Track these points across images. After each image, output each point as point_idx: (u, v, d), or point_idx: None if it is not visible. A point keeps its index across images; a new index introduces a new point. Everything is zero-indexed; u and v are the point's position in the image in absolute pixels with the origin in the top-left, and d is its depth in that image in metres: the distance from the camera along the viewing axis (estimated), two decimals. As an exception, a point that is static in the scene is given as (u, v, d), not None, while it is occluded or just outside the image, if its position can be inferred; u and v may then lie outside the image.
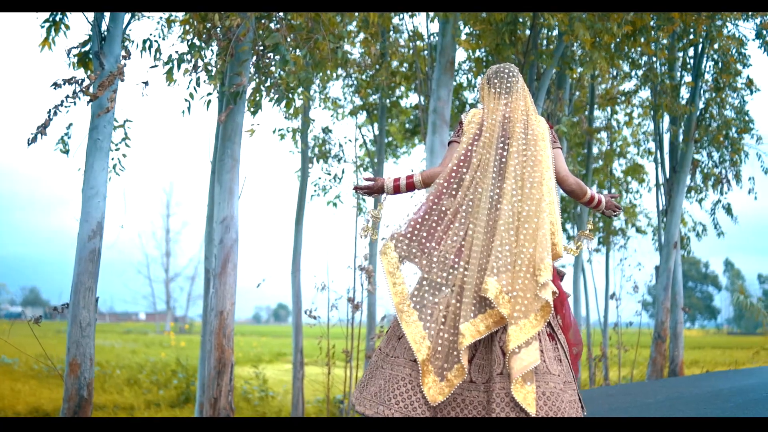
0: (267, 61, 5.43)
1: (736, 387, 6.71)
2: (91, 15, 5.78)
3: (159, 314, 46.90)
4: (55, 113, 4.76)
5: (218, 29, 5.03)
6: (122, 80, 4.43)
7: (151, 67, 4.98)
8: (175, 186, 65.14)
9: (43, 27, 5.80)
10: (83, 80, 4.65)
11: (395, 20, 9.63)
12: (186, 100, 5.79)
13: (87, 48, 5.97)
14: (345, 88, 10.40)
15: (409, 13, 9.23)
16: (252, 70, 5.70)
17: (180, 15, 6.99)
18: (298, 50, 5.84)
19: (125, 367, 14.14)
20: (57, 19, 5.72)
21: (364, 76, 9.75)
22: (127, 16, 5.04)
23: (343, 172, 10.09)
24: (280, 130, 9.41)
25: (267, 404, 10.97)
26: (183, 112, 5.81)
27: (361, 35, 9.15)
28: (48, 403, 10.23)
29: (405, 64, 10.02)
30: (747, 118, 10.57)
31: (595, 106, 11.89)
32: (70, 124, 5.89)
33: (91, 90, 4.61)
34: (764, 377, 7.72)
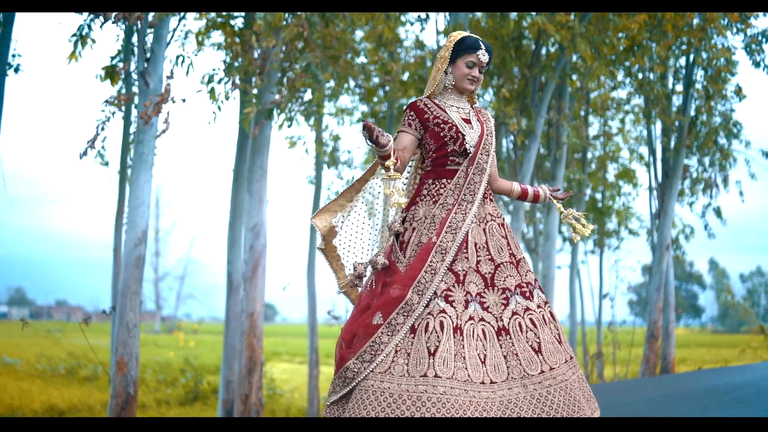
0: (295, 77, 5.77)
1: (729, 384, 6.98)
2: (128, 30, 6.08)
3: (148, 313, 47.03)
4: (102, 128, 5.08)
5: (256, 50, 5.36)
6: (174, 101, 4.75)
7: (198, 91, 5.31)
8: (165, 186, 64.99)
9: (70, 41, 6.11)
10: (134, 97, 4.97)
11: (400, 31, 9.97)
12: (213, 112, 6.11)
13: (115, 62, 6.28)
14: (352, 96, 10.75)
15: (418, 25, 9.60)
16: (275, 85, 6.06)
17: (198, 24, 7.30)
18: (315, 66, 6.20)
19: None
20: (84, 33, 6.03)
21: (370, 84, 10.08)
22: (168, 35, 5.36)
23: (353, 178, 10.44)
24: (291, 137, 9.75)
25: (275, 402, 11.29)
26: (210, 122, 6.15)
27: (364, 44, 9.47)
28: (61, 402, 10.48)
29: (407, 72, 10.35)
30: (732, 123, 11.01)
31: (589, 111, 12.34)
32: (105, 138, 6.19)
33: (133, 107, 4.94)
34: (753, 374, 8.00)
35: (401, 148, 3.19)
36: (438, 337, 2.86)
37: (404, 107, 3.38)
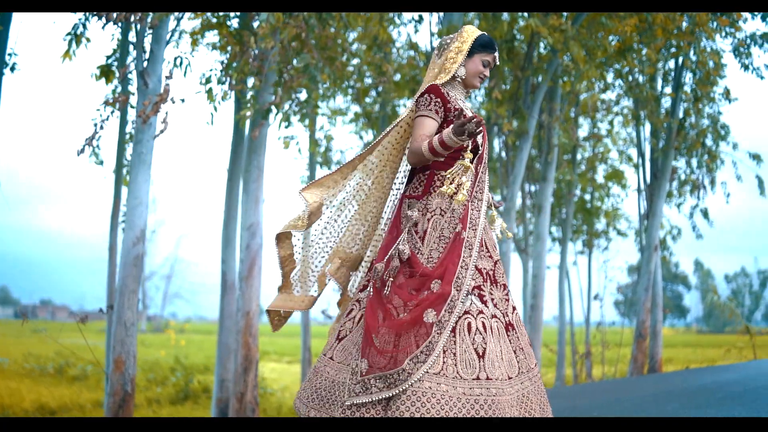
0: (292, 77, 5.82)
1: (717, 382, 7.09)
2: (125, 31, 6.09)
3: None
4: (101, 127, 5.11)
5: (253, 51, 5.40)
6: (173, 102, 4.79)
7: (197, 92, 5.35)
8: (152, 184, 64.48)
9: (65, 40, 6.12)
10: (130, 97, 5.00)
11: (393, 32, 10.02)
12: (211, 113, 6.15)
13: (110, 61, 6.29)
14: (345, 96, 10.80)
15: (412, 26, 9.65)
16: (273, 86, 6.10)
17: (192, 24, 7.31)
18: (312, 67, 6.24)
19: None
20: (78, 32, 6.04)
21: (364, 84, 10.12)
22: (167, 35, 5.39)
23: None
24: (286, 137, 9.77)
25: (266, 401, 11.31)
26: (208, 123, 6.18)
27: (356, 45, 9.51)
28: (51, 401, 10.44)
29: (399, 74, 10.40)
30: (720, 126, 11.14)
31: (579, 112, 12.45)
32: (99, 137, 6.21)
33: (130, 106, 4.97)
34: (739, 373, 8.12)
35: (427, 134, 2.98)
36: (483, 338, 2.83)
37: (424, 91, 3.12)
